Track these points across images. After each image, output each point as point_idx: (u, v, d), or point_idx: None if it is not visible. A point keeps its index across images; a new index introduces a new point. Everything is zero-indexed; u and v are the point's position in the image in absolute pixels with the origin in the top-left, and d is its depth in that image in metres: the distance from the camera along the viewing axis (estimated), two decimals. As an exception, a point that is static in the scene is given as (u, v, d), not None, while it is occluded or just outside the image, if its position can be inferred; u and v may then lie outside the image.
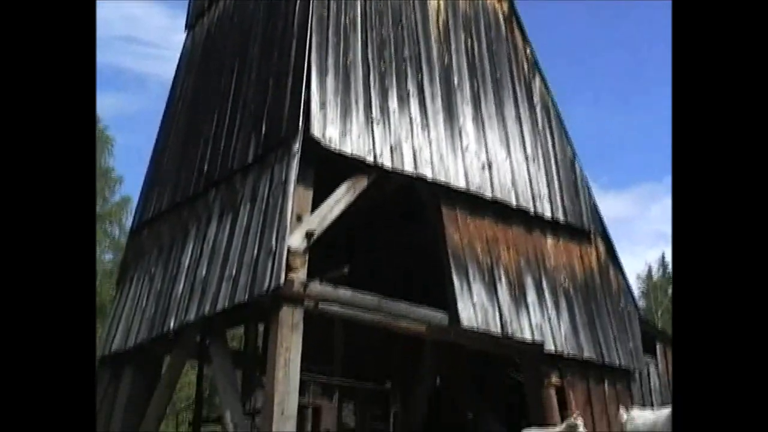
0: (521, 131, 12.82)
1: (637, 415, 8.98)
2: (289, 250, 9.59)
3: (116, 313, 12.73)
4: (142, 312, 11.90)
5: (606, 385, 12.47)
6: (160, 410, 11.32)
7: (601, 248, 13.40)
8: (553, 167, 13.00)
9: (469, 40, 12.91)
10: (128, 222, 16.93)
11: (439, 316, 10.89)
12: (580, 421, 9.06)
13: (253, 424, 10.58)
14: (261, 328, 12.87)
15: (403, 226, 13.43)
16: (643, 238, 61.12)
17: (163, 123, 14.28)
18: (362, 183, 10.75)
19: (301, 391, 9.96)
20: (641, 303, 32.61)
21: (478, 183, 11.77)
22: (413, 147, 11.22)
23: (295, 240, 9.76)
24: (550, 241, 12.62)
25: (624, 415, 9.27)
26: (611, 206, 53.17)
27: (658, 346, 13.84)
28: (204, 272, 10.79)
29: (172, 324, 11.08)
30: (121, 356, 12.18)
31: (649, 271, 38.82)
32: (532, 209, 12.33)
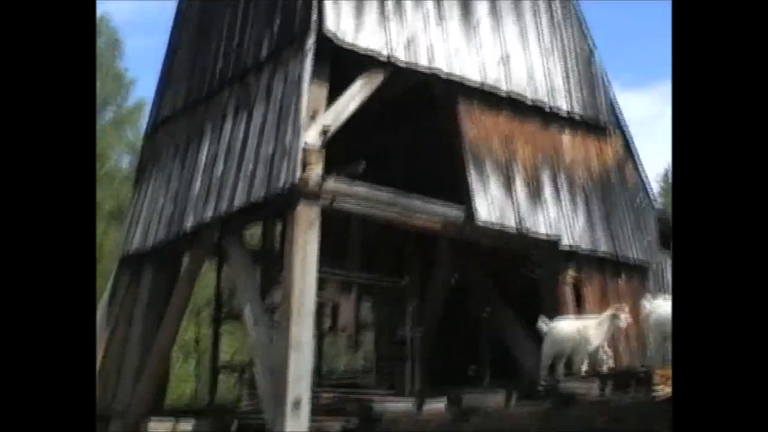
0: (538, 24, 12.57)
1: (661, 305, 8.90)
2: (304, 147, 9.58)
3: (134, 214, 12.83)
4: (160, 212, 11.99)
5: (621, 280, 12.54)
6: (180, 308, 11.51)
7: (619, 144, 13.29)
8: (571, 61, 12.79)
9: (485, -70, 12.56)
10: (144, 126, 16.92)
11: (455, 212, 10.92)
12: (622, 314, 9.01)
13: (271, 319, 10.75)
14: (278, 228, 12.93)
15: (418, 124, 13.32)
16: (665, 137, 60.44)
17: (176, 22, 14.07)
18: (377, 79, 10.64)
19: (319, 288, 10.08)
20: (660, 201, 32.49)
21: (494, 78, 11.62)
22: (428, 41, 11.05)
23: (311, 136, 9.74)
24: (566, 136, 12.52)
25: (647, 304, 9.24)
26: (632, 105, 52.44)
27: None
28: (220, 171, 10.83)
29: (189, 223, 11.18)
30: (141, 256, 12.32)
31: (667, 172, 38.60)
32: (548, 104, 12.19)
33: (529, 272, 13.75)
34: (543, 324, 9.55)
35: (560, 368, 9.10)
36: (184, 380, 23.11)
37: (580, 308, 11.95)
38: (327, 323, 11.39)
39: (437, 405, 9.12)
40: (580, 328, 9.11)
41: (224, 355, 16.23)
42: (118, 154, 28.10)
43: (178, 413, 11.98)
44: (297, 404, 8.84)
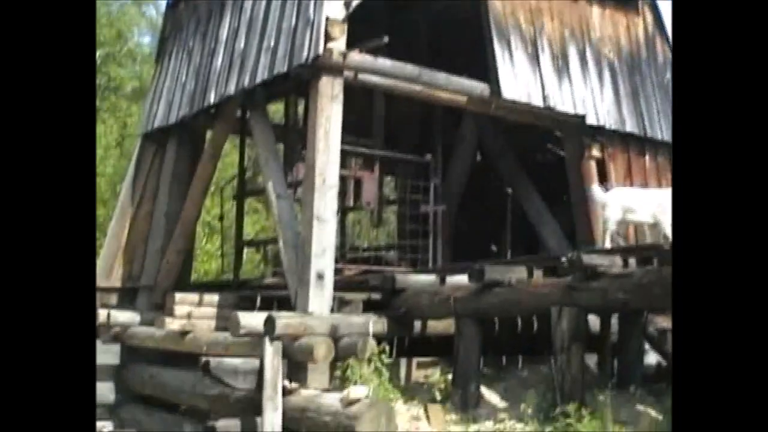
0: None
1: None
2: (327, 19, 9.39)
3: (157, 89, 12.77)
4: (182, 87, 11.92)
5: (647, 158, 12.45)
6: (205, 182, 11.56)
7: (649, 19, 12.96)
8: (600, -68, 12.35)
9: None
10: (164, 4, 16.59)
11: (480, 87, 10.76)
12: None
13: (294, 194, 10.79)
14: (301, 105, 12.82)
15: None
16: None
17: None
18: (401, -50, 10.35)
19: (342, 163, 10.04)
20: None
21: (520, -51, 11.27)
22: None
23: (334, 9, 9.52)
24: (596, 10, 12.21)
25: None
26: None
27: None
28: (242, 45, 10.68)
29: (212, 98, 11.12)
30: (164, 132, 12.32)
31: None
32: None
33: (553, 150, 13.67)
34: (599, 191, 9.70)
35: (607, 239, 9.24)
36: (208, 258, 23.50)
37: (604, 185, 11.89)
38: (348, 198, 11.40)
39: (460, 279, 9.19)
40: (660, 201, 9.09)
41: (248, 234, 16.45)
42: (139, 33, 27.88)
43: (203, 288, 12.21)
44: (320, 277, 8.95)
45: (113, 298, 12.19)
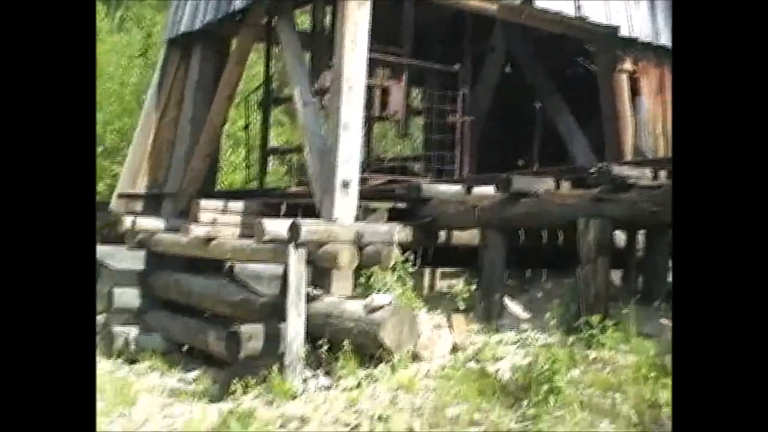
0: None
1: None
2: None
3: (182, -5, 12.55)
4: (208, -7, 11.71)
5: (680, 72, 12.14)
6: (230, 89, 11.43)
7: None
8: None
9: None
10: None
11: (512, -5, 10.50)
12: None
13: (320, 103, 10.67)
14: (329, 12, 12.57)
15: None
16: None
17: None
18: None
19: (369, 72, 9.87)
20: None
21: None
22: None
23: None
24: None
25: None
26: None
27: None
28: (269, -52, 10.45)
29: (238, 4, 10.92)
30: (189, 38, 12.15)
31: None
32: None
33: (584, 63, 13.40)
34: None
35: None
36: (233, 170, 23.52)
37: (636, 99, 11.71)
38: (375, 107, 11.25)
39: (486, 189, 9.11)
40: None
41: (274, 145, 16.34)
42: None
43: (228, 195, 12.21)
44: (345, 185, 8.89)
45: (138, 205, 12.22)
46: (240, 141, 22.22)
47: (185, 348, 10.10)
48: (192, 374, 10.02)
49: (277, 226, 8.51)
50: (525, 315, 8.52)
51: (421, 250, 9.26)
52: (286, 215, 10.10)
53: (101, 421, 8.31)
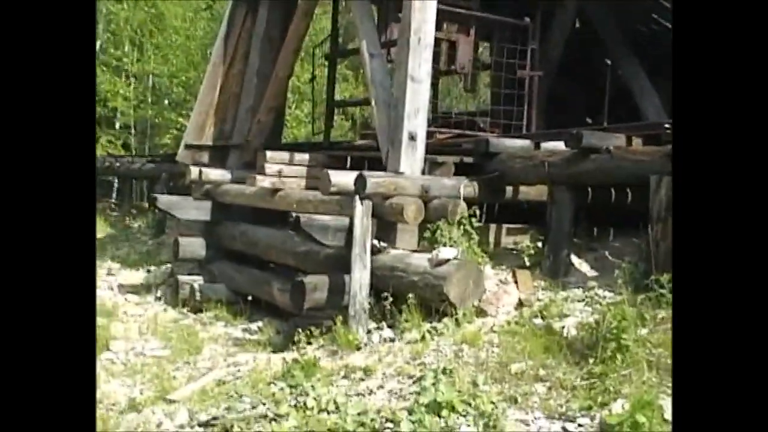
0: None
1: None
2: None
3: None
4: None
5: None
6: (297, 41, 11.37)
7: None
8: None
9: None
10: None
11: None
12: None
13: (387, 55, 10.57)
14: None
15: None
16: None
17: None
18: None
19: (437, 25, 9.71)
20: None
21: None
22: None
23: None
24: None
25: None
26: None
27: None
28: None
29: (307, -44, 10.84)
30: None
31: None
32: None
33: (658, 20, 13.04)
34: None
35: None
36: (298, 123, 23.61)
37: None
38: (443, 60, 11.10)
39: (555, 144, 8.96)
40: None
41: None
42: None
43: (294, 148, 12.24)
44: (412, 138, 8.81)
45: (205, 157, 12.32)
46: (305, 95, 22.32)
47: (249, 298, 10.21)
48: (256, 324, 10.15)
49: (343, 178, 8.50)
50: (592, 273, 8.39)
51: (487, 206, 9.18)
52: (352, 168, 10.09)
53: (167, 368, 8.48)
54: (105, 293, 12.31)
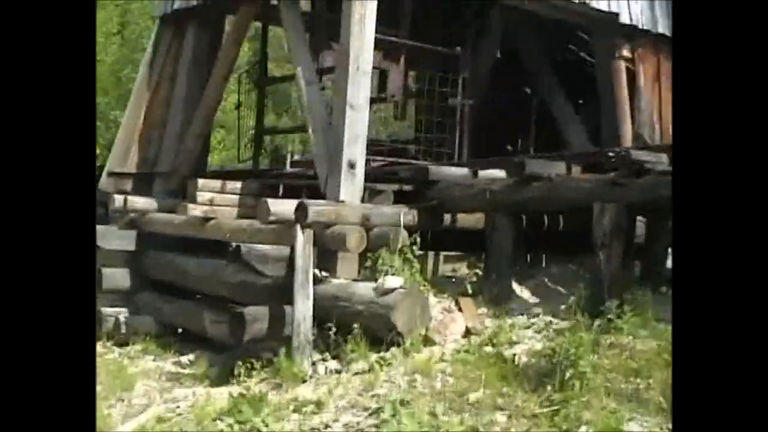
0: None
1: None
2: None
3: (176, -30, 12.27)
4: (204, -33, 11.44)
5: (676, 61, 12.17)
6: (227, 67, 11.21)
7: None
8: None
9: None
10: None
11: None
12: None
13: (319, 82, 10.50)
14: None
15: None
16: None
17: None
18: None
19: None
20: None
21: None
22: None
23: None
24: None
25: None
26: None
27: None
28: None
29: (238, -20, 10.70)
30: (184, 14, 11.89)
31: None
32: None
33: (575, 51, 13.37)
34: None
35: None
36: (222, 149, 23.14)
37: (633, 86, 11.70)
38: (374, 90, 11.08)
39: (492, 172, 9.03)
40: None
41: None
42: None
43: (221, 175, 12.00)
44: (352, 166, 8.75)
45: (128, 184, 11.96)
46: (220, 121, 21.93)
47: (180, 331, 9.91)
48: (187, 357, 9.83)
49: (281, 207, 8.36)
50: (533, 299, 8.46)
51: (422, 233, 9.17)
52: (285, 196, 9.95)
53: (99, 406, 8.13)
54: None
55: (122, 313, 11.06)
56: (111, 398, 8.36)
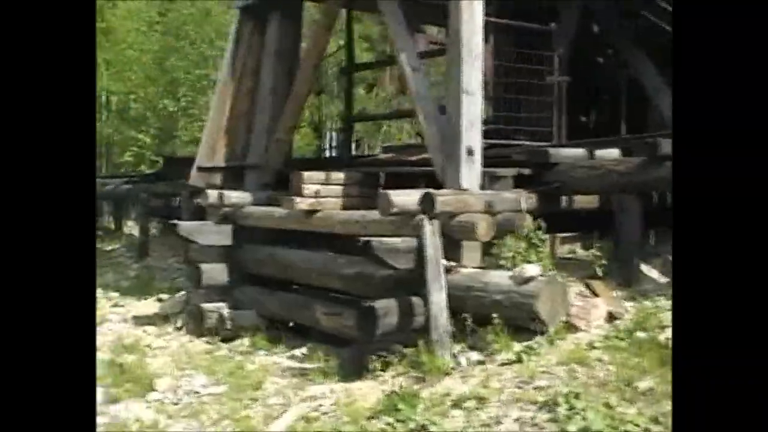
0: None
1: None
2: None
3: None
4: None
5: None
6: (316, 57, 11.08)
7: None
8: None
9: None
10: None
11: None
12: None
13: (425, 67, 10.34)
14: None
15: None
16: None
17: None
18: None
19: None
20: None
21: None
22: None
23: None
24: None
25: None
26: None
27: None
28: None
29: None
30: (264, 4, 11.75)
31: None
32: None
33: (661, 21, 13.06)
34: None
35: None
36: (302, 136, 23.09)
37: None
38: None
39: (608, 152, 8.89)
40: None
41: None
42: None
43: (310, 165, 11.91)
44: (470, 152, 8.64)
45: (217, 178, 11.92)
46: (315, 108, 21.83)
47: (291, 324, 9.88)
48: (299, 351, 9.78)
49: (403, 198, 8.27)
50: (663, 279, 8.34)
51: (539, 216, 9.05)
52: (387, 185, 9.88)
53: (230, 407, 8.06)
54: (119, 326, 11.84)
55: (222, 308, 11.04)
56: (243, 398, 8.32)
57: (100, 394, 8.50)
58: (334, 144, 22.11)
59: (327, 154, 19.88)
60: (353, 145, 12.77)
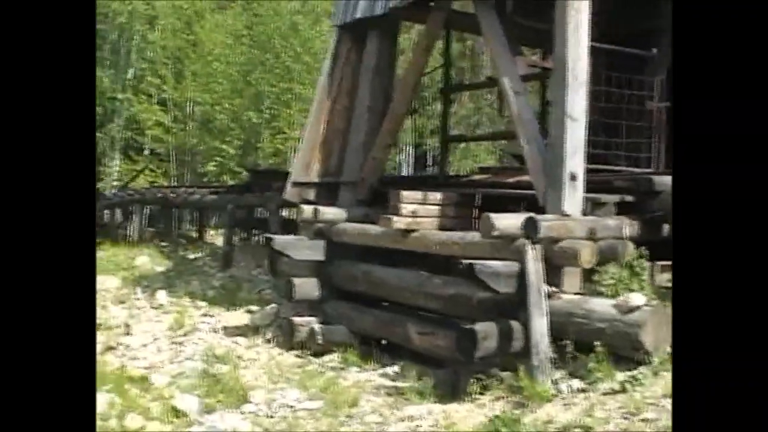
0: None
1: None
2: None
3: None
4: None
5: None
6: (415, 77, 11.17)
7: None
8: None
9: None
10: None
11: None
12: None
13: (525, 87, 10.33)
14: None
15: None
16: None
17: None
18: None
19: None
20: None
21: None
22: None
23: None
24: None
25: None
26: None
27: None
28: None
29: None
30: (363, 23, 11.89)
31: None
32: None
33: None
34: None
35: None
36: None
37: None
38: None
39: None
40: None
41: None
42: None
43: (407, 184, 12.00)
44: (573, 178, 8.60)
45: (311, 194, 12.08)
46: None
47: (384, 342, 9.95)
48: (391, 369, 9.83)
49: (506, 221, 8.28)
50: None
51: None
52: (483, 206, 9.89)
53: (327, 422, 8.15)
54: (210, 337, 12.05)
55: (313, 322, 11.17)
56: (339, 414, 8.40)
57: (195, 403, 8.72)
58: (411, 160, 22.40)
59: (404, 170, 20.08)
60: (429, 161, 12.80)
